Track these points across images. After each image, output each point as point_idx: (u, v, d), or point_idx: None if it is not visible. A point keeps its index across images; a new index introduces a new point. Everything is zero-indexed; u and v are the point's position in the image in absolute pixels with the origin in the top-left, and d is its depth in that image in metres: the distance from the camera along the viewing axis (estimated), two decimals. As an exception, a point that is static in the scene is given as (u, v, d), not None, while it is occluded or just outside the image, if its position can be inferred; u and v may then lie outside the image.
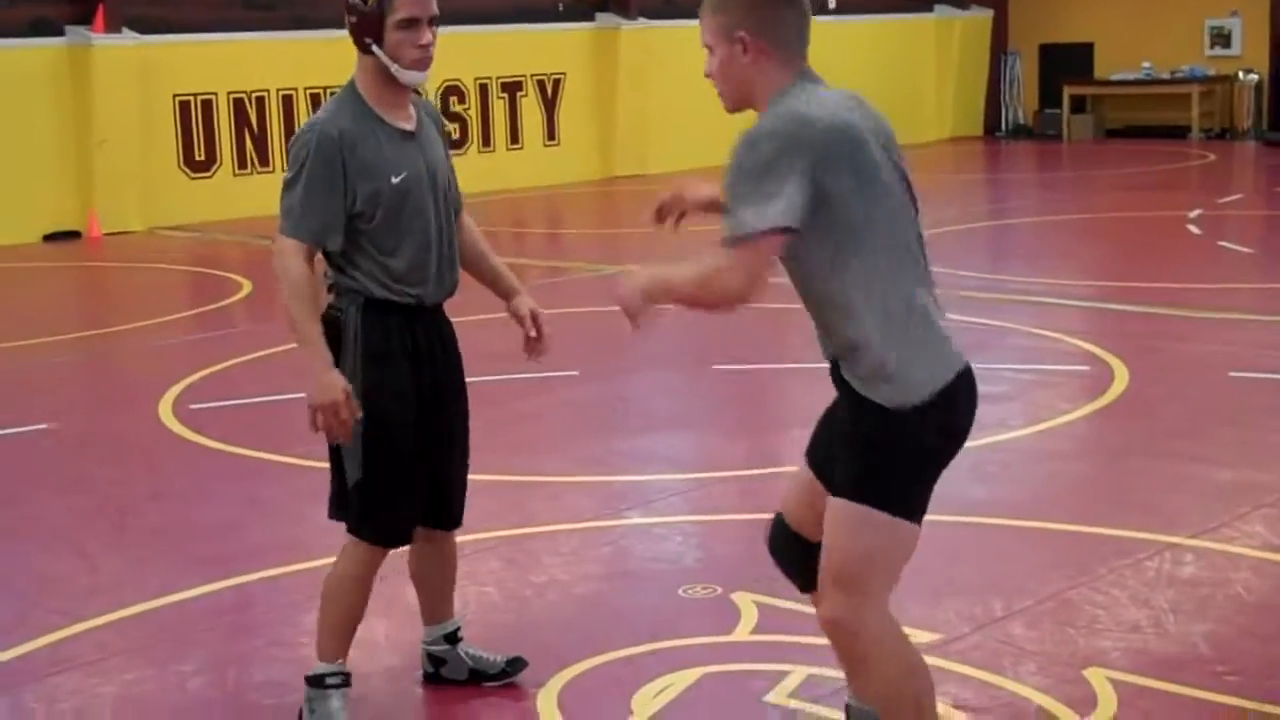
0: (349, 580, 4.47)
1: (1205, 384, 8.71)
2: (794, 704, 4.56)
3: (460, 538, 6.23)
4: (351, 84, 4.56)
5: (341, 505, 4.49)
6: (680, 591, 5.56)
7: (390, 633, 5.25)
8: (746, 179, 3.45)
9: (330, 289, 4.43)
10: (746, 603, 5.34)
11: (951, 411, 3.63)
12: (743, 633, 5.14)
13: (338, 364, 4.29)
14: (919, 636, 4.97)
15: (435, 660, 4.84)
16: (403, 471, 4.40)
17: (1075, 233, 15.81)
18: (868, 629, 3.62)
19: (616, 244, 15.67)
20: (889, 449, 3.59)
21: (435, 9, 4.48)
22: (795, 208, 3.41)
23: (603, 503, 6.78)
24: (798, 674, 4.75)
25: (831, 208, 3.46)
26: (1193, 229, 14.88)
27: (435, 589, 4.80)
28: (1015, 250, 15.16)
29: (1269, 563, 5.74)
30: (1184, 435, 7.64)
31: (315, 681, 4.47)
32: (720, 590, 5.50)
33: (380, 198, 4.32)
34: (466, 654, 4.81)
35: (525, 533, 6.33)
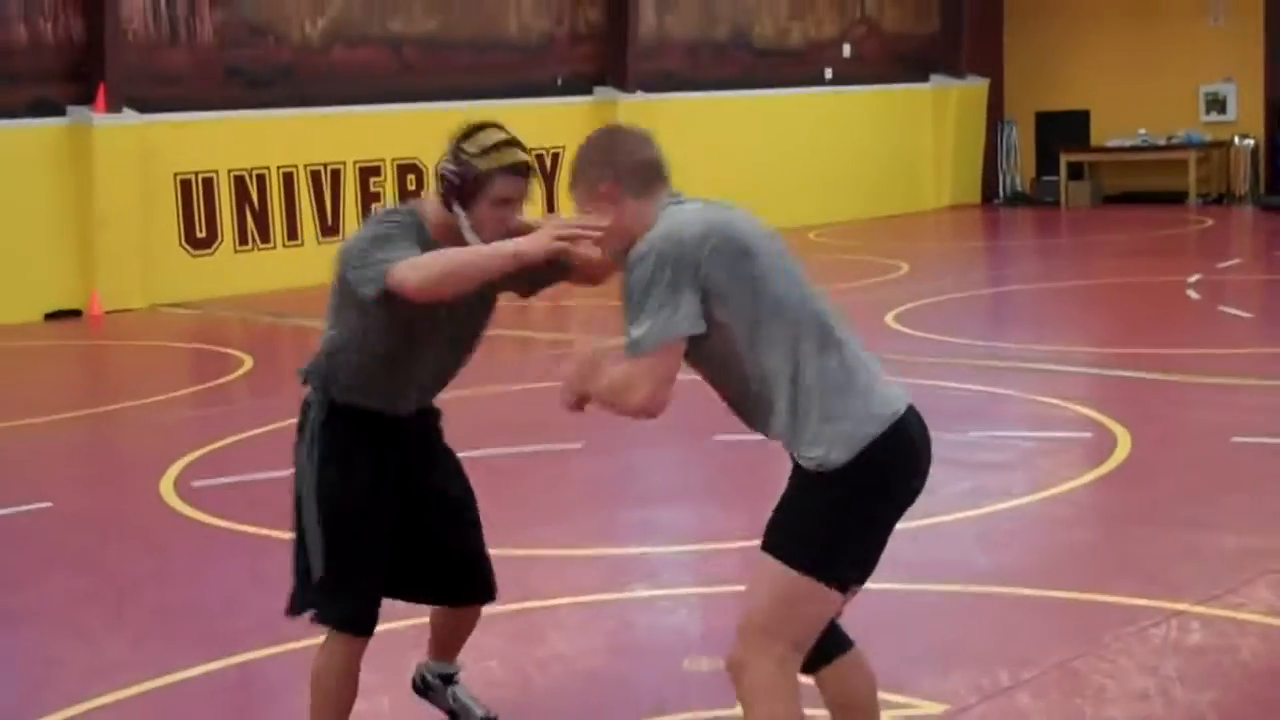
0: (333, 672, 4.49)
1: (1208, 450, 8.70)
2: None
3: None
4: (419, 208, 4.51)
5: (299, 601, 4.55)
6: (684, 664, 5.54)
7: (394, 709, 5.22)
8: (639, 298, 3.71)
9: (304, 376, 4.46)
10: (751, 675, 5.30)
11: (881, 471, 3.71)
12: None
13: (297, 444, 4.43)
14: (927, 708, 4.95)
15: (425, 683, 4.99)
16: (365, 559, 4.46)
17: (1075, 299, 15.84)
18: (752, 679, 3.75)
19: (616, 315, 15.69)
20: (809, 510, 3.71)
21: (529, 191, 4.45)
22: (690, 315, 3.68)
23: (606, 575, 6.76)
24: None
25: (728, 301, 3.69)
26: (1192, 294, 14.91)
27: (446, 637, 4.93)
28: (1015, 317, 15.18)
29: (1275, 629, 5.71)
30: (1188, 501, 7.62)
31: None
32: (724, 662, 5.46)
33: (400, 307, 4.27)
34: (454, 695, 4.93)
35: (528, 607, 6.30)
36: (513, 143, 4.38)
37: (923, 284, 16.25)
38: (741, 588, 6.40)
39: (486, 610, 6.14)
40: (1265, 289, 16.32)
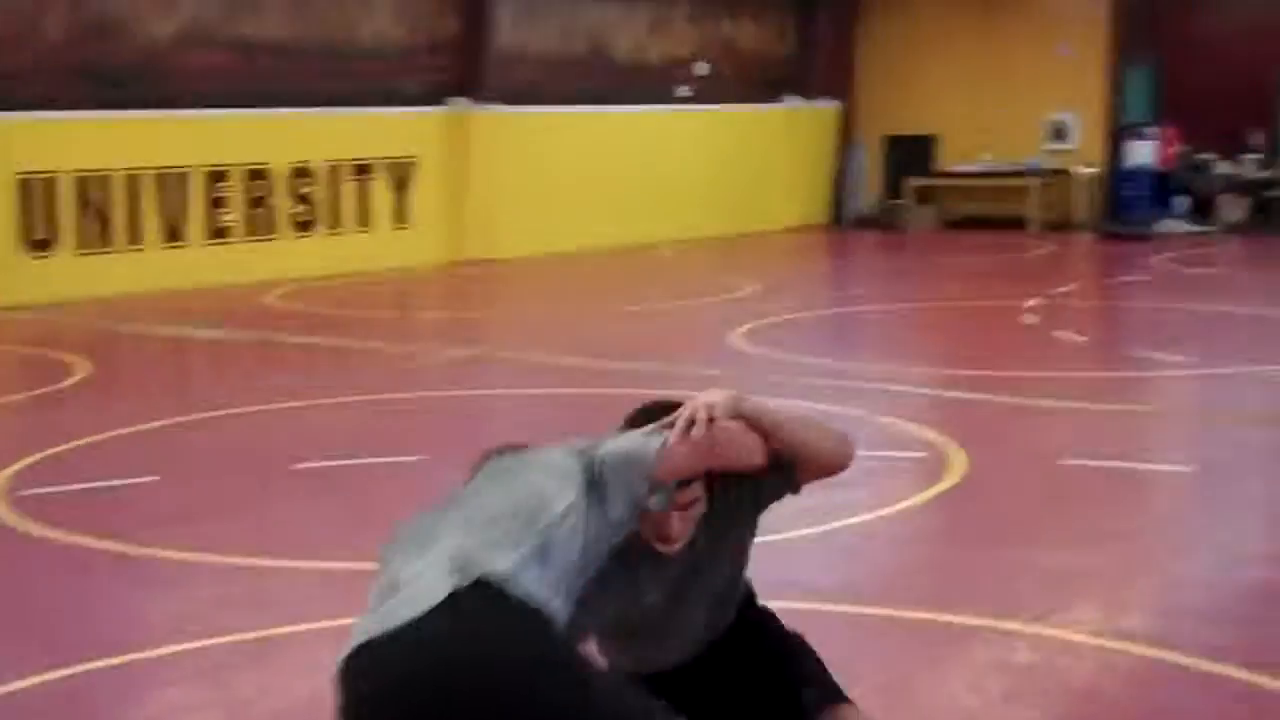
0: None
1: (1039, 471, 8.88)
2: None
3: (299, 627, 6.17)
4: None
5: None
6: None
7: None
8: None
9: None
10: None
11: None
12: None
13: None
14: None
15: None
16: None
17: (917, 322, 16.09)
18: None
19: (466, 327, 15.63)
20: None
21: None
22: None
23: (444, 590, 6.70)
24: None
25: None
26: (1029, 318, 15.20)
27: None
28: (859, 337, 15.38)
29: (1098, 648, 5.84)
30: (1018, 521, 7.78)
31: None
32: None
33: None
34: None
35: (365, 620, 6.23)
36: None
37: (770, 303, 16.39)
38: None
39: (326, 625, 6.11)
40: (1098, 314, 16.72)
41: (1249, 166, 23.91)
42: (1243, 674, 5.51)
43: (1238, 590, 6.65)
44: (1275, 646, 5.87)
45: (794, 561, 6.97)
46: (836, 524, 7.46)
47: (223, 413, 10.69)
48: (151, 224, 17.74)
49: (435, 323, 16.83)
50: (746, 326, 14.32)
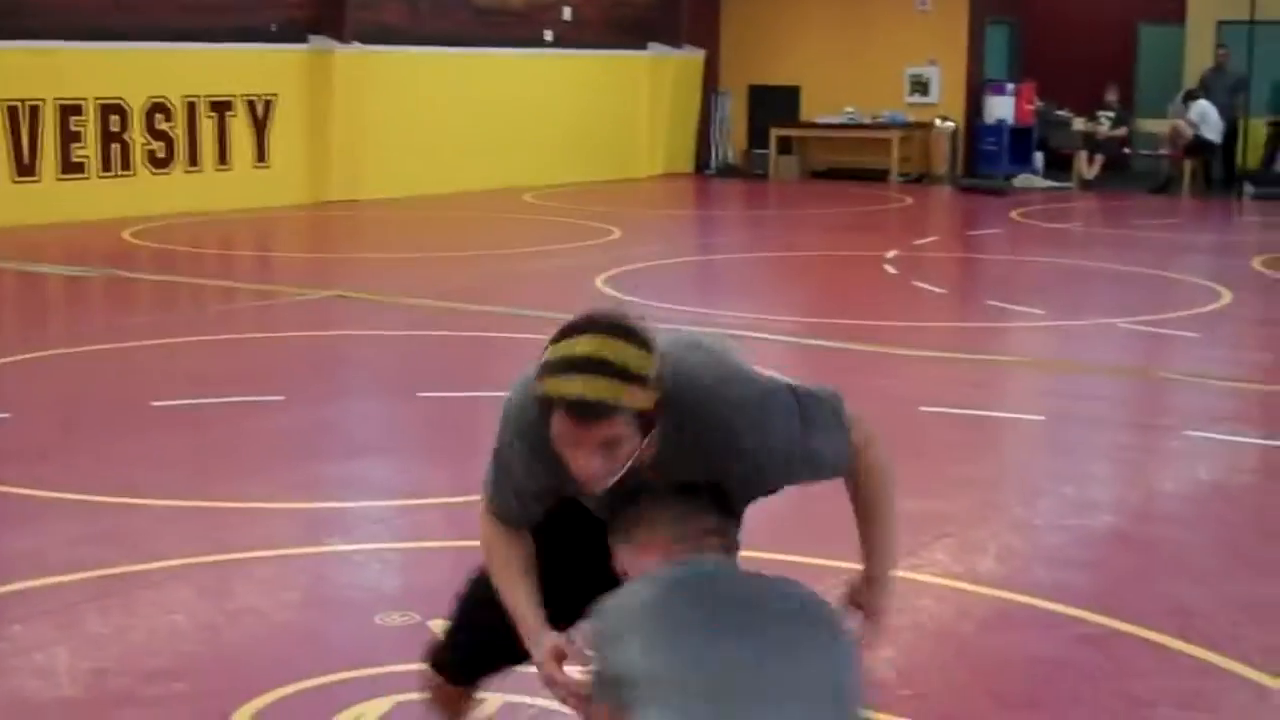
0: None
1: (896, 418, 8.97)
2: None
3: (152, 565, 6.10)
4: None
5: None
6: (377, 619, 5.50)
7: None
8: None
9: None
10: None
11: None
12: (440, 660, 5.09)
13: None
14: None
15: None
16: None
17: (779, 270, 16.21)
18: None
19: (325, 268, 15.45)
20: None
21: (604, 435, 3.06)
22: None
23: (303, 529, 6.66)
24: (494, 700, 4.74)
25: None
26: (889, 269, 15.38)
27: None
28: (722, 285, 15.45)
29: (950, 590, 5.95)
30: (876, 467, 7.87)
31: None
32: (418, 618, 5.45)
33: None
34: None
35: (221, 559, 6.17)
36: (579, 365, 2.95)
37: (633, 249, 16.41)
38: (441, 543, 6.43)
39: (178, 563, 6.04)
40: (957, 266, 16.95)
41: (1105, 124, 24.34)
42: (1089, 615, 5.66)
43: (1085, 535, 6.81)
44: (1119, 589, 6.03)
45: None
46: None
47: (78, 350, 10.49)
48: (2, 157, 17.29)
49: (294, 263, 16.61)
50: (609, 272, 14.32)
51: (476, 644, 3.63)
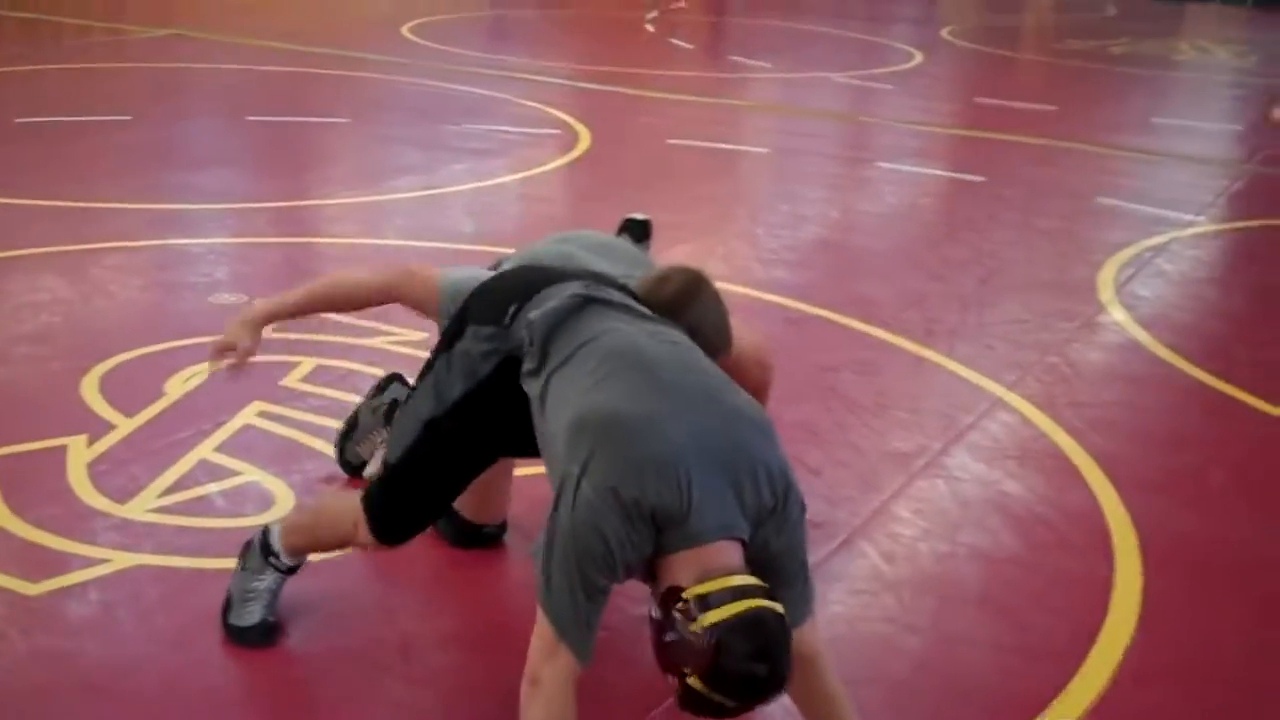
0: None
1: (650, 148, 9.01)
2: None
3: (18, 252, 5.89)
4: None
5: None
6: (211, 299, 5.41)
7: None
8: None
9: None
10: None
11: None
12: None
13: None
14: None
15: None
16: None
17: (557, 25, 15.90)
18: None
19: (169, 9, 14.67)
20: None
21: None
22: None
23: (148, 226, 6.46)
24: (307, 364, 4.74)
25: None
26: (649, 27, 15.21)
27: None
28: (509, 36, 15.12)
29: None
30: (633, 185, 7.92)
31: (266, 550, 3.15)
32: (247, 298, 5.37)
33: None
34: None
35: (77, 249, 5.97)
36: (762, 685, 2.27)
37: (436, 3, 15.92)
38: (266, 239, 6.31)
39: (41, 251, 5.84)
40: (706, 28, 16.81)
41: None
42: (793, 303, 5.83)
43: (795, 242, 6.96)
44: (819, 284, 6.21)
45: (442, 213, 6.95)
46: (481, 184, 7.45)
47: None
48: None
49: (141, 4, 15.71)
50: (415, 21, 13.91)
51: (426, 513, 2.99)
